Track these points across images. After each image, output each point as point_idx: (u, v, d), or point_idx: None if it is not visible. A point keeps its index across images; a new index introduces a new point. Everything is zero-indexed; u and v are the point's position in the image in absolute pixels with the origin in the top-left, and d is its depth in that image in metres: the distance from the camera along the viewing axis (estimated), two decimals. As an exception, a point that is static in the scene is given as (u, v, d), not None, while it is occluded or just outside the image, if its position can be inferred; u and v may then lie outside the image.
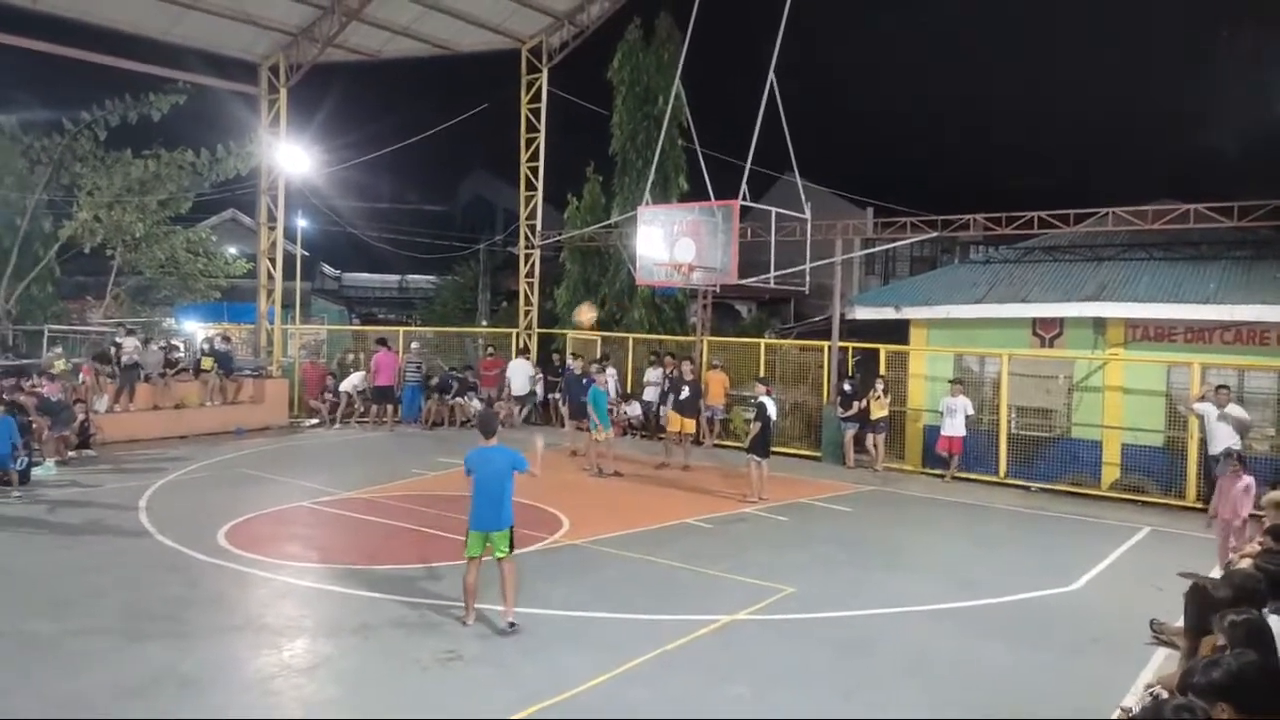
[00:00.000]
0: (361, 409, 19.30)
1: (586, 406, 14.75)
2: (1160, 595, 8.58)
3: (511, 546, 7.50)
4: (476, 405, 18.59)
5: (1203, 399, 12.25)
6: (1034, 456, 14.78)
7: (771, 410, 13.07)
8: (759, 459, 12.82)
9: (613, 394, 17.31)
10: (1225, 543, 9.53)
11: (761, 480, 12.83)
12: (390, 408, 19.10)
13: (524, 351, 20.69)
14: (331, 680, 6.53)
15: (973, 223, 16.10)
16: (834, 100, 39.03)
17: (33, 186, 18.95)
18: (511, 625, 7.32)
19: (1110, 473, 14.45)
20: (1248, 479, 9.57)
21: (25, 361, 15.94)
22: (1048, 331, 15.62)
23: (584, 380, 15.70)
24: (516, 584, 7.56)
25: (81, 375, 15.67)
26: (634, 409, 18.66)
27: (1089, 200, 15.24)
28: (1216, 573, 8.45)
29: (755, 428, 12.89)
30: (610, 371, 17.87)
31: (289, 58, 19.87)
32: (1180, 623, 6.67)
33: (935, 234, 16.56)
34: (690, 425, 15.67)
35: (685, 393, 15.44)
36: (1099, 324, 15.03)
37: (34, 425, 13.49)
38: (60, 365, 15.27)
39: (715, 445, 17.55)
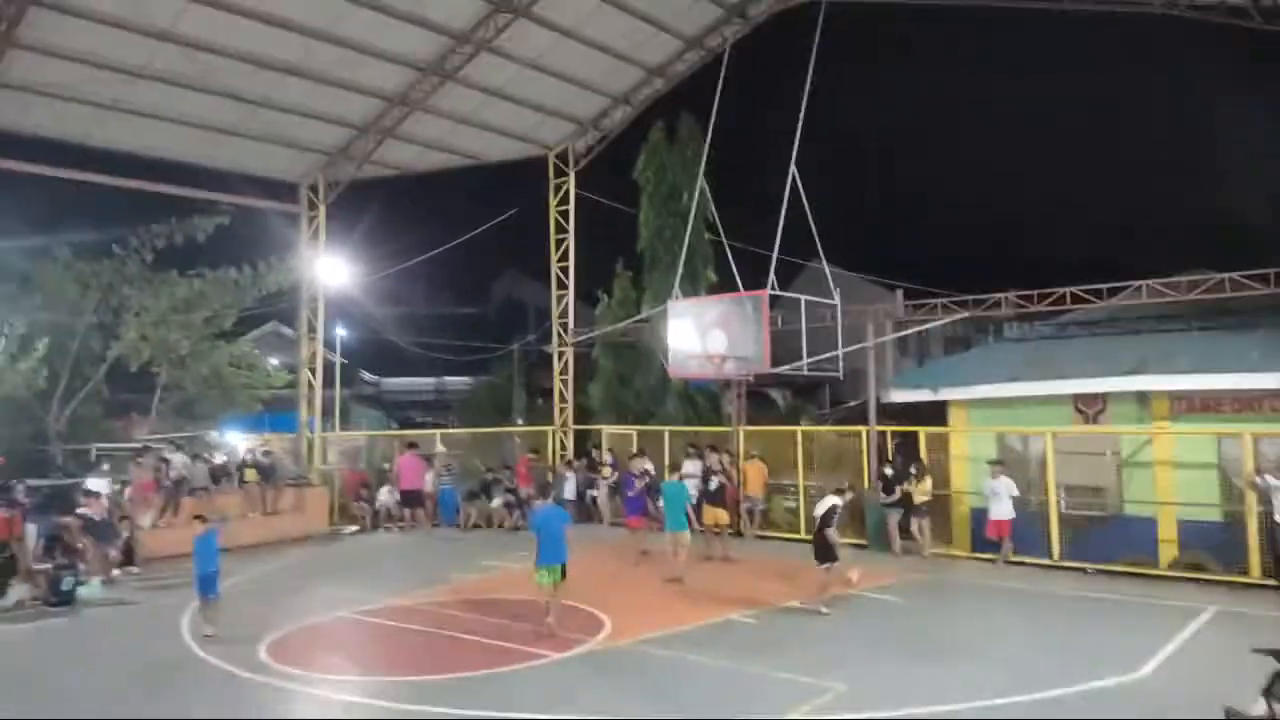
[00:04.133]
0: (397, 515, 19.32)
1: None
2: (1233, 678, 8.16)
3: (564, 576, 10.42)
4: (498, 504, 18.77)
5: (1258, 473, 11.87)
6: (1087, 536, 14.31)
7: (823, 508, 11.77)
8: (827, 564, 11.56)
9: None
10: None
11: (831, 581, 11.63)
12: (421, 511, 19.09)
13: (568, 463, 20.55)
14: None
15: (1004, 301, 16.05)
16: (858, 185, 39.65)
17: (83, 310, 19.66)
18: (549, 625, 10.12)
19: (1168, 550, 13.92)
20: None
21: (68, 482, 16.19)
22: (1090, 407, 15.33)
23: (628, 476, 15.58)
24: (560, 606, 10.42)
25: (127, 493, 15.89)
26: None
27: (1122, 272, 15.18)
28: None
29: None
30: (648, 464, 17.80)
31: (327, 176, 20.71)
32: (1258, 709, 6.34)
33: (967, 314, 16.50)
34: (723, 516, 15.37)
35: (714, 483, 15.25)
36: (1143, 397, 14.74)
37: (80, 546, 13.65)
38: (105, 485, 15.50)
39: (757, 536, 17.25)
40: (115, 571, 14.25)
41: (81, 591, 12.79)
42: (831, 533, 11.46)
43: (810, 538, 12.06)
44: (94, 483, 15.28)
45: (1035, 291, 15.59)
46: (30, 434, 19.70)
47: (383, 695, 8.46)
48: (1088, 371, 15.44)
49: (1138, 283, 14.97)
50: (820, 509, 11.72)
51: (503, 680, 8.82)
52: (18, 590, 12.31)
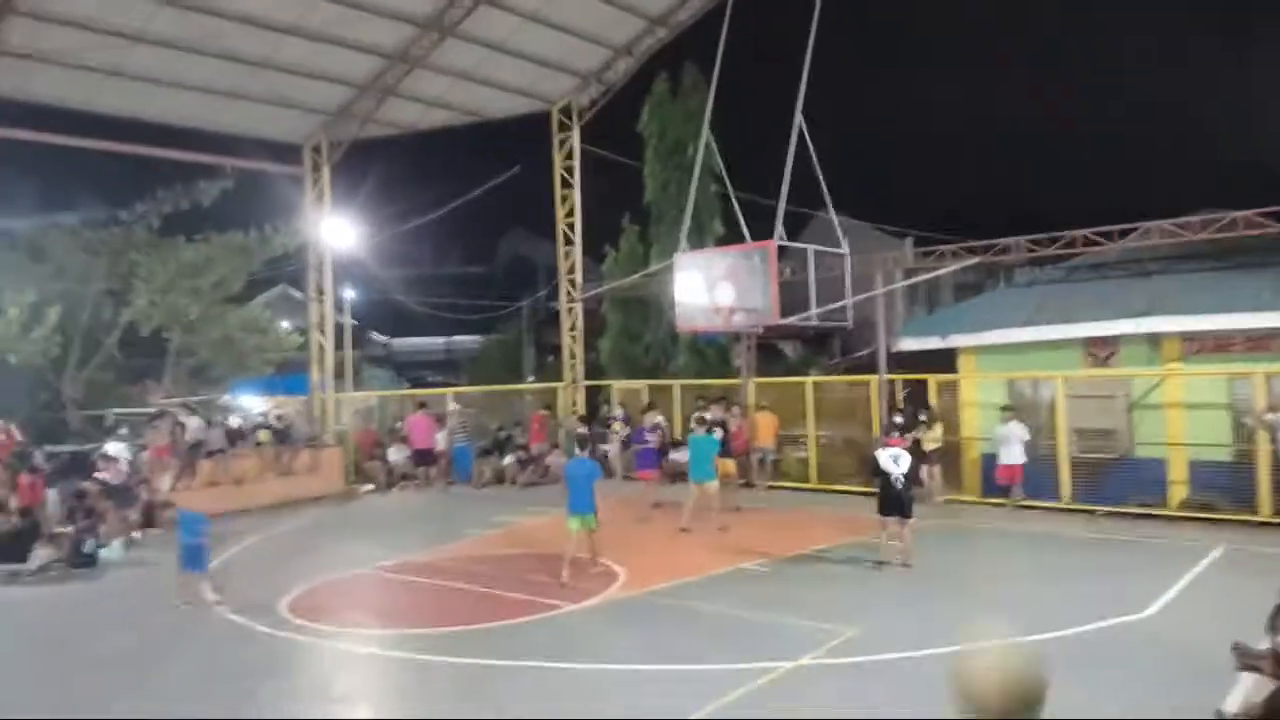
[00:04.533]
0: (410, 473, 19.52)
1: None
2: (1242, 615, 8.23)
3: (596, 525, 10.97)
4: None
5: (1272, 410, 11.84)
6: (1098, 480, 14.37)
7: (889, 465, 11.07)
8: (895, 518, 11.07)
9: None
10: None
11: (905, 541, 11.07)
12: (434, 469, 19.27)
13: (580, 419, 20.67)
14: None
15: (1015, 246, 15.91)
16: (865, 132, 39.17)
17: (93, 278, 19.72)
18: (595, 563, 10.93)
19: (1178, 491, 13.97)
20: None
21: (87, 447, 16.39)
22: (1101, 351, 15.27)
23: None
24: (597, 546, 11.09)
25: (143, 456, 16.09)
26: (682, 455, 18.57)
27: (1132, 214, 15.00)
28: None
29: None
30: (660, 419, 17.90)
31: (330, 136, 20.58)
32: (1265, 644, 6.38)
33: (977, 259, 16.38)
34: (730, 466, 15.47)
35: (719, 434, 15.33)
36: (1154, 340, 14.67)
37: (100, 510, 13.87)
38: (122, 450, 15.70)
39: (769, 487, 17.38)
40: (135, 534, 14.48)
41: (103, 554, 13.01)
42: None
43: (877, 490, 11.34)
44: (112, 447, 15.47)
45: (1046, 235, 15.45)
46: (46, 401, 19.90)
47: (402, 646, 8.64)
48: (1098, 315, 15.35)
49: (1148, 223, 14.80)
50: (903, 465, 11.05)
51: (518, 631, 8.99)
52: (41, 554, 12.52)
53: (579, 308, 21.91)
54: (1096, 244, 15.22)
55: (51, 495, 13.54)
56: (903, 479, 11.00)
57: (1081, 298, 16.28)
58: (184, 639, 9.27)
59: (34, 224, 19.91)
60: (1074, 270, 17.61)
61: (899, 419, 15.65)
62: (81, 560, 12.55)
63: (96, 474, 14.42)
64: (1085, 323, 15.31)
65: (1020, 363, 15.78)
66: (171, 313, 19.89)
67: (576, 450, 12.58)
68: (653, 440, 16.70)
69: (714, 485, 13.82)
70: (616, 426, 19.35)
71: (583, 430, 17.49)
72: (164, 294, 19.64)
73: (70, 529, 12.97)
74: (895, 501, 10.98)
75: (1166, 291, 15.24)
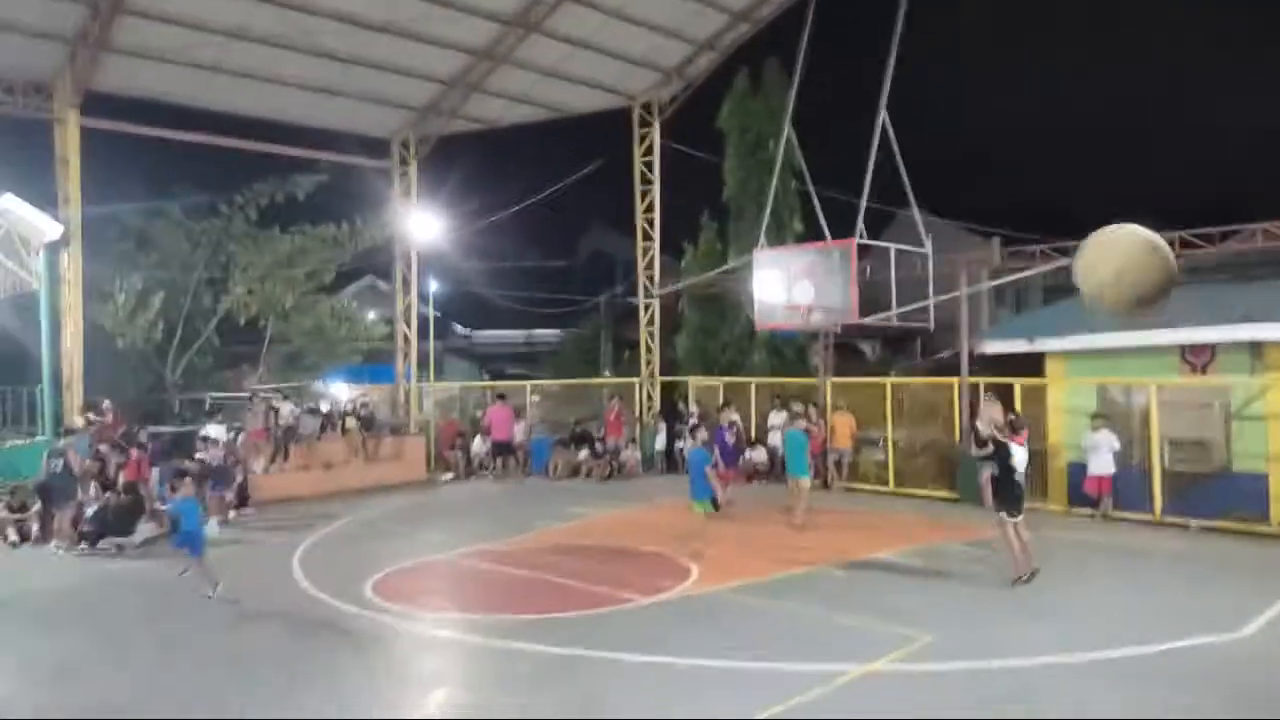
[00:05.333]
0: (489, 464, 19.91)
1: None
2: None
3: (717, 507, 12.36)
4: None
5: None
6: (1192, 492, 13.81)
7: (1017, 458, 10.54)
8: (1006, 516, 10.46)
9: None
10: None
11: (1022, 544, 10.41)
12: (512, 460, 19.61)
13: (656, 416, 21.03)
14: (472, 730, 6.74)
15: (1108, 247, 15.36)
16: (952, 129, 38.24)
17: (194, 266, 20.67)
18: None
19: (1281, 508, 13.33)
20: None
21: (187, 429, 17.21)
22: (1198, 358, 14.65)
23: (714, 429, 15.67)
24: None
25: (240, 439, 16.81)
26: (759, 454, 18.55)
27: (1234, 216, 14.35)
28: None
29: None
30: (735, 417, 17.89)
31: (417, 132, 21.13)
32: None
33: (1068, 262, 15.85)
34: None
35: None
36: (1255, 348, 14.00)
37: (200, 489, 14.56)
38: (221, 432, 16.44)
39: (845, 489, 17.22)
40: (231, 513, 15.17)
41: (202, 531, 13.64)
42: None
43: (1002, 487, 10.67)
44: (211, 429, 16.22)
45: (1141, 237, 14.86)
46: (150, 384, 20.96)
47: (478, 631, 8.87)
48: (1196, 321, 14.71)
49: (1252, 226, 14.14)
50: (1018, 456, 10.57)
51: (591, 622, 9.14)
52: (144, 529, 13.24)
53: (657, 304, 22.00)
54: (1196, 246, 14.61)
55: (155, 473, 14.26)
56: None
57: (1179, 302, 15.54)
58: (274, 615, 9.69)
59: (141, 214, 20.96)
60: (1171, 273, 16.91)
61: (1001, 415, 15.21)
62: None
63: (197, 454, 15.13)
64: (1181, 328, 14.70)
65: (1111, 369, 15.24)
66: (267, 301, 20.73)
67: (691, 440, 14.05)
68: (729, 438, 16.70)
69: (806, 481, 13.98)
70: (691, 424, 19.38)
71: (694, 421, 17.68)
72: (260, 283, 20.49)
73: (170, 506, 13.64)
74: (1021, 499, 10.56)
75: (1268, 297, 14.53)
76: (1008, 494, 10.52)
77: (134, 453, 14.40)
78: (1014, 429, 11.37)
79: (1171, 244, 14.48)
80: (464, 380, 29.55)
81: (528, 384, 23.97)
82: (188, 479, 11.21)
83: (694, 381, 21.50)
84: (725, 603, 9.79)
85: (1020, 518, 10.44)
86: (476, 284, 32.05)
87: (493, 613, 9.57)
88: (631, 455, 19.98)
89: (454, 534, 13.66)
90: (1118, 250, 6.24)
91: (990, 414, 12.11)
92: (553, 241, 43.76)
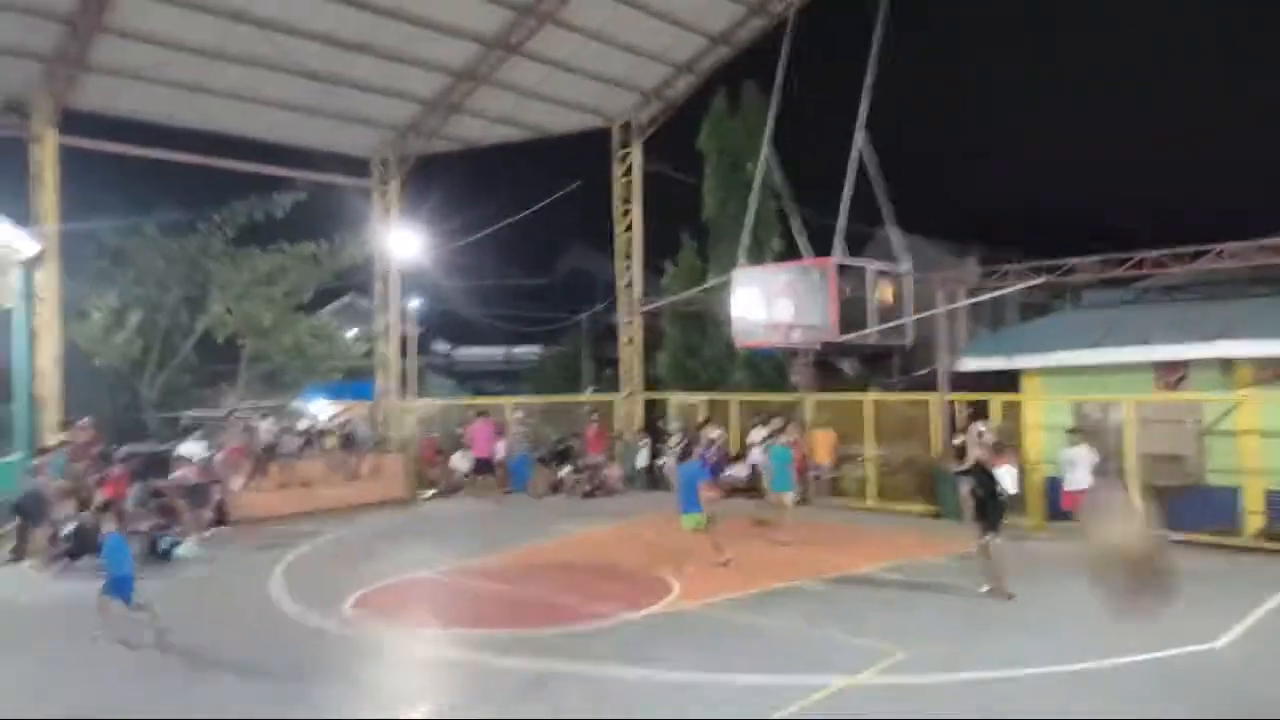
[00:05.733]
0: (471, 481, 19.83)
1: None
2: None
3: (708, 524, 12.14)
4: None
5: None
6: (1167, 507, 13.96)
7: (1002, 480, 10.96)
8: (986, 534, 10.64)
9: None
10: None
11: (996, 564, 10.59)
12: (493, 478, 19.56)
13: (638, 433, 21.11)
14: (454, 747, 6.72)
15: (1082, 266, 15.63)
16: (929, 148, 38.77)
17: (171, 284, 20.52)
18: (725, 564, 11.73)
19: (1254, 521, 13.54)
20: None
21: (163, 448, 17.02)
22: (1172, 375, 14.90)
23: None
24: (716, 541, 12.10)
25: (218, 457, 16.67)
26: (740, 470, 18.60)
27: (1205, 235, 14.63)
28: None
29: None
30: (715, 433, 17.95)
31: (397, 151, 21.16)
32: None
33: (1043, 279, 16.11)
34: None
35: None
36: (1226, 364, 14.27)
37: (176, 508, 14.44)
38: (198, 451, 16.31)
39: (826, 505, 17.31)
40: (209, 532, 15.03)
41: (178, 551, 13.53)
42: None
43: (985, 508, 10.75)
44: (186, 448, 16.08)
45: (1114, 256, 15.15)
46: (126, 402, 20.73)
47: (461, 646, 8.85)
48: (1169, 338, 14.99)
49: (1220, 245, 14.42)
50: (1004, 480, 10.98)
51: (573, 637, 9.14)
52: (121, 548, 13.06)
53: (637, 321, 22.08)
54: (1166, 266, 14.88)
55: (131, 492, 14.12)
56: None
57: (1151, 320, 15.90)
58: (256, 635, 9.61)
59: (118, 231, 20.81)
60: (1144, 292, 17.22)
61: (960, 439, 15.45)
62: (158, 556, 13.08)
63: (174, 473, 15.00)
64: (1155, 345, 14.96)
65: (1087, 385, 15.47)
66: (245, 320, 20.58)
67: (672, 457, 14.21)
68: (709, 455, 16.75)
69: (790, 496, 14.17)
70: (672, 441, 19.43)
71: (682, 439, 17.78)
72: (238, 301, 20.35)
73: (146, 526, 13.52)
74: (1000, 518, 10.78)
75: (1240, 315, 14.82)
76: (990, 513, 10.70)
77: (114, 470, 14.27)
78: (997, 451, 11.54)
79: (1142, 263, 14.90)
80: (445, 397, 29.46)
81: (509, 401, 23.93)
82: (110, 510, 11.01)
83: (675, 399, 21.56)
84: (706, 618, 9.81)
85: (998, 536, 10.60)
86: (457, 301, 32.07)
87: (475, 628, 9.55)
88: (613, 472, 19.97)
89: (436, 551, 13.61)
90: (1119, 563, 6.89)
91: (978, 436, 12.26)
92: (533, 259, 43.85)
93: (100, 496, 13.77)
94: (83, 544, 12.65)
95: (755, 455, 18.16)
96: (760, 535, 14.48)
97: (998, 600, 10.26)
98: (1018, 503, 15.26)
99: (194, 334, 20.62)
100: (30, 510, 13.08)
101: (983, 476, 10.83)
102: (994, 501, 10.73)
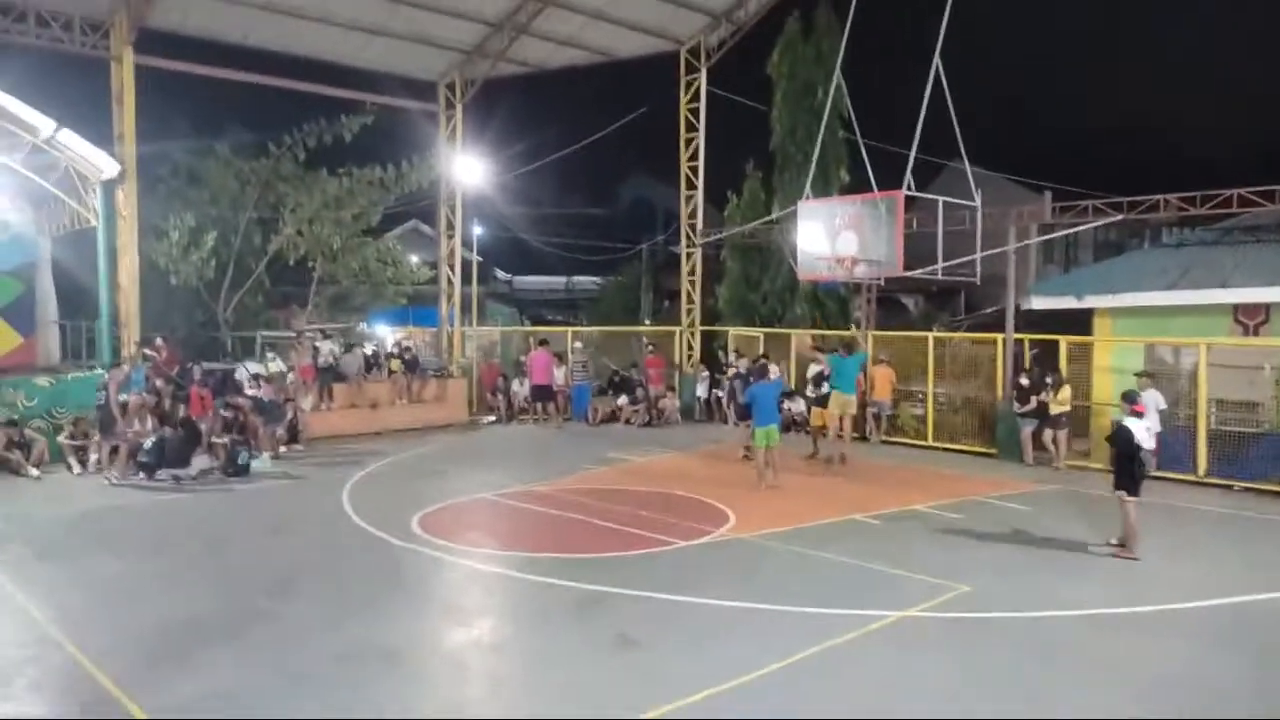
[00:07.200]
0: (529, 408, 20.19)
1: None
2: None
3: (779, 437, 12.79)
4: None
5: None
6: (1238, 454, 13.65)
7: (1139, 436, 9.71)
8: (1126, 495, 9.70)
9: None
10: None
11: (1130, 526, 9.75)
12: (552, 405, 19.85)
13: (698, 364, 21.22)
14: (517, 657, 7.02)
15: (1163, 204, 15.03)
16: (1005, 80, 37.19)
17: (244, 205, 20.97)
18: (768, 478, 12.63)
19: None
20: None
21: (233, 365, 17.62)
22: (1251, 318, 14.39)
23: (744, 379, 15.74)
24: (778, 463, 12.97)
25: (290, 377, 17.22)
26: (798, 405, 18.59)
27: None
28: None
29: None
30: (775, 369, 17.89)
31: (464, 74, 21.09)
32: None
33: (1120, 217, 15.56)
34: (824, 416, 15.43)
35: (824, 388, 15.34)
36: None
37: (251, 424, 15.03)
38: (274, 368, 16.87)
39: (883, 441, 17.26)
40: (282, 448, 15.64)
41: (255, 464, 14.13)
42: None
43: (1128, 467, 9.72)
44: (257, 366, 16.65)
45: (1198, 194, 14.52)
46: (202, 321, 21.44)
47: (520, 568, 9.13)
48: (1251, 280, 14.43)
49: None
50: (1139, 433, 9.69)
51: (630, 562, 9.37)
52: (200, 461, 13.71)
53: (698, 253, 21.95)
54: (1255, 204, 14.23)
55: (212, 409, 14.72)
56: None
57: (1234, 261, 15.31)
58: (326, 546, 10.06)
59: (191, 152, 21.24)
60: (1228, 232, 16.53)
61: (1025, 380, 15.22)
62: (235, 469, 13.69)
63: (249, 391, 15.56)
64: (1235, 288, 14.41)
65: (1161, 328, 15.02)
66: (315, 242, 21.00)
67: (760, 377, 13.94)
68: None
69: (851, 400, 15.03)
70: (731, 372, 19.45)
71: (764, 362, 17.74)
72: (309, 224, 20.74)
73: (225, 440, 14.12)
74: (1141, 479, 9.70)
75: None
76: (1134, 474, 9.67)
77: (196, 389, 14.86)
78: (1128, 399, 10.21)
79: (1228, 201, 14.26)
80: (504, 325, 29.84)
81: (569, 330, 24.15)
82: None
83: (734, 331, 21.51)
84: (761, 548, 9.96)
85: (1139, 498, 9.72)
86: (519, 229, 32.19)
87: (532, 551, 9.84)
88: (671, 403, 20.15)
89: (495, 474, 13.97)
90: None
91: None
92: (595, 188, 43.64)
93: (182, 412, 14.40)
94: (161, 458, 13.26)
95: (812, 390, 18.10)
96: (815, 470, 14.56)
97: (1123, 559, 9.56)
98: (1082, 445, 15.10)
99: (266, 255, 21.11)
100: (102, 423, 13.77)
101: (1124, 434, 9.72)
102: (1134, 463, 9.63)
